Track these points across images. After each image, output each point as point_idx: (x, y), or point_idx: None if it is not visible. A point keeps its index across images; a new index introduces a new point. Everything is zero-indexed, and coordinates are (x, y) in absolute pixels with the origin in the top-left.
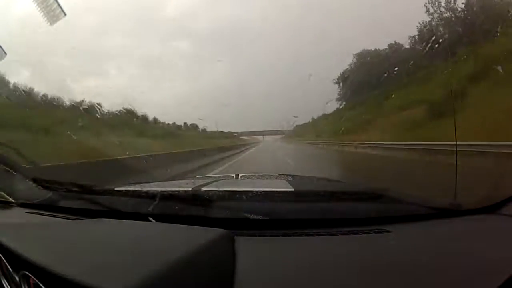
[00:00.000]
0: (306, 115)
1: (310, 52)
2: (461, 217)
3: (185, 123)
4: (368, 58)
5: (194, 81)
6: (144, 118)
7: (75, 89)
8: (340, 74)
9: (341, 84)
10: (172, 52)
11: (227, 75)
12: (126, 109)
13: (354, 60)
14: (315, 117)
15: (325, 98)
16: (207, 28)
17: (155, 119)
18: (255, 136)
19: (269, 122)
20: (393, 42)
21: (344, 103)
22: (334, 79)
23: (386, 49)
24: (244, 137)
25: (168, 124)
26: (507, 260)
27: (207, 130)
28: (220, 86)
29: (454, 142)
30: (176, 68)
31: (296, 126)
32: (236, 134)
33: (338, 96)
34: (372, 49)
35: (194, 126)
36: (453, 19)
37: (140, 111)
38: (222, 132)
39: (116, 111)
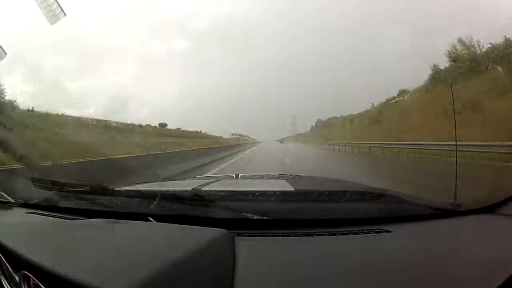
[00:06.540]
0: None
1: (312, 50)
2: (461, 217)
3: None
4: None
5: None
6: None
7: (73, 89)
8: None
9: None
10: (172, 51)
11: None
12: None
13: None
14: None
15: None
16: (206, 26)
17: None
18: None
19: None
20: None
21: None
22: None
23: None
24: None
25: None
26: (507, 260)
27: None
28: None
29: (454, 142)
30: (177, 67)
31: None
32: None
33: None
34: None
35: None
36: None
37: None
38: None
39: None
